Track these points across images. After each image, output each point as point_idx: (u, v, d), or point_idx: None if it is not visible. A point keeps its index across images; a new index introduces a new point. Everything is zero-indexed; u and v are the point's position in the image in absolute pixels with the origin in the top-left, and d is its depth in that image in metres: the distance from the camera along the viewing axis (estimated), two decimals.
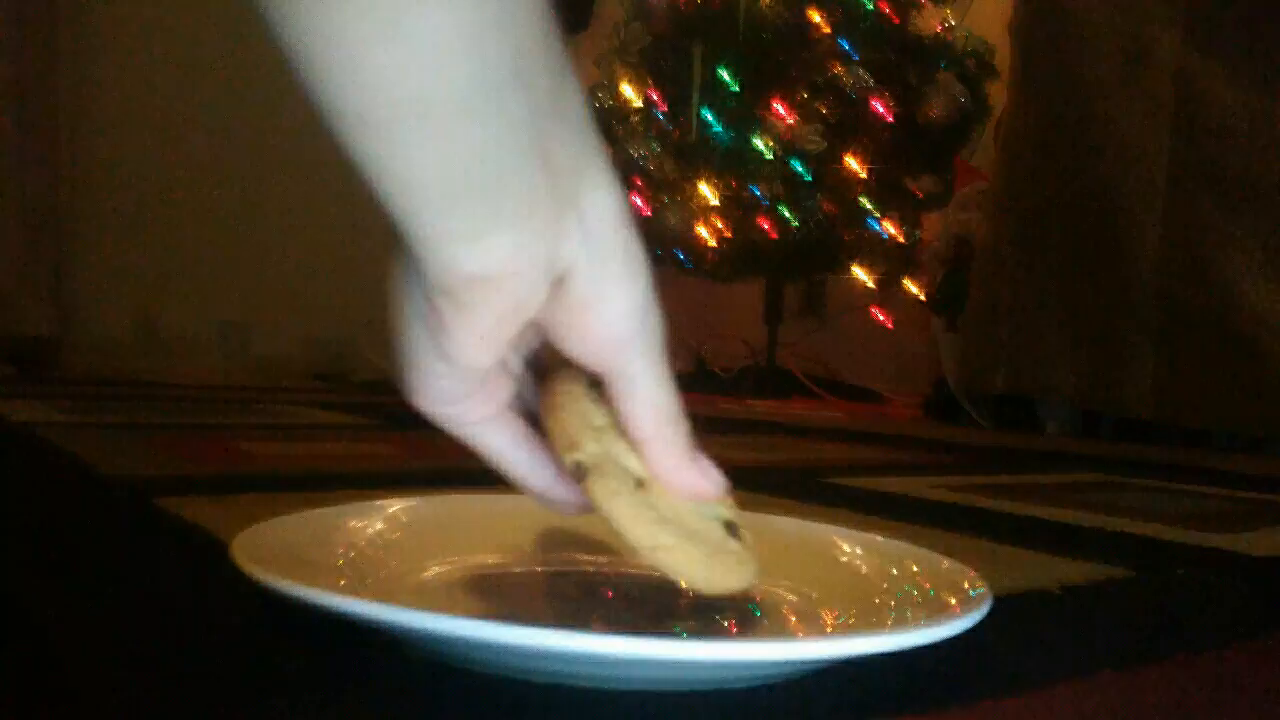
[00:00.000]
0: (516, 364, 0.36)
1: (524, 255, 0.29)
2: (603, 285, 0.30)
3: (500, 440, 0.36)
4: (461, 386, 0.33)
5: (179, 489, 0.65)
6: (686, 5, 2.45)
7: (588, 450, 0.33)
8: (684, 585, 0.33)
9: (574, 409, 0.34)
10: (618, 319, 0.31)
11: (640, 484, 0.33)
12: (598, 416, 0.34)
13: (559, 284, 0.30)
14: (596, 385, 0.34)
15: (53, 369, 2.21)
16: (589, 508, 0.35)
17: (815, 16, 2.31)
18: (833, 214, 2.30)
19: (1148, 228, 1.51)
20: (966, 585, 0.37)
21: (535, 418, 0.36)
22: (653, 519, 0.33)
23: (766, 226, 2.31)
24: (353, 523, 0.43)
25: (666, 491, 0.34)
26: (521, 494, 0.38)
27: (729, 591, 0.34)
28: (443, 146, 0.27)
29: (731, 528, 0.35)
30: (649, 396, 0.33)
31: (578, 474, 0.33)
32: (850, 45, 2.29)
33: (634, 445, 0.34)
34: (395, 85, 0.25)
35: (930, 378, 2.00)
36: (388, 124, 0.26)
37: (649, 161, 2.46)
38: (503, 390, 0.35)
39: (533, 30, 0.27)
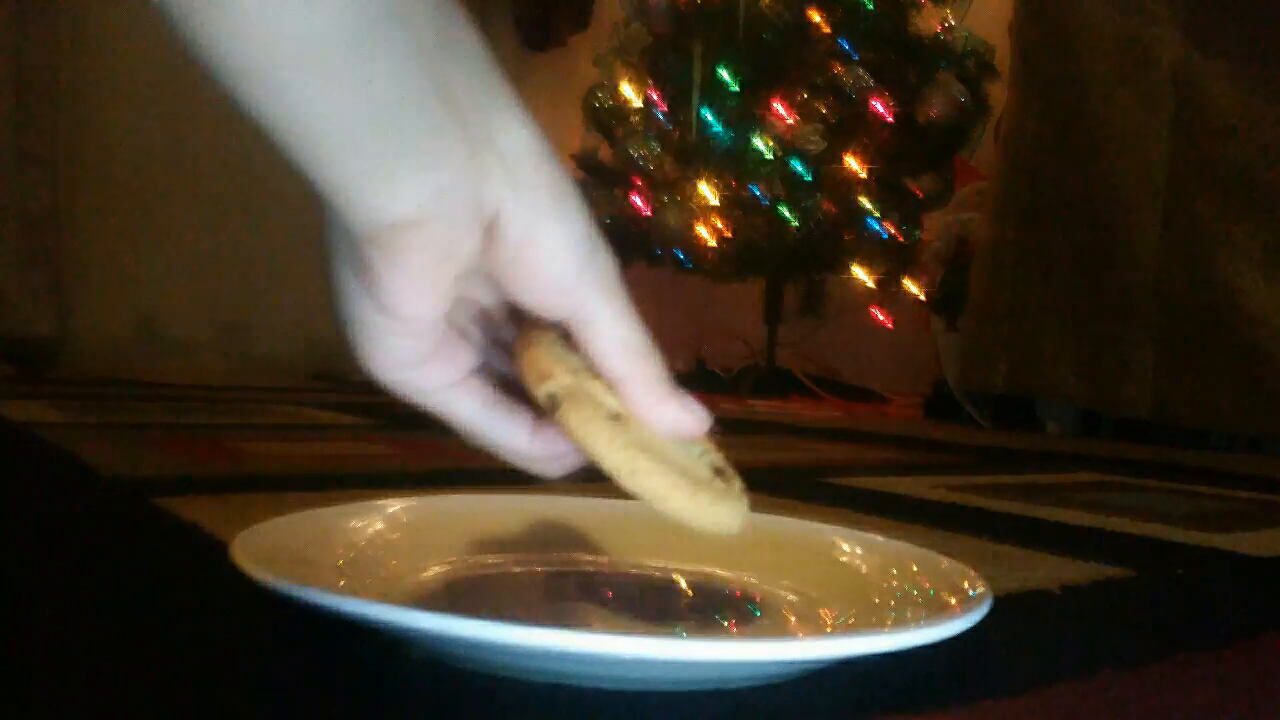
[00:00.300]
0: (476, 333, 0.35)
1: (445, 198, 0.28)
2: (536, 223, 0.30)
3: (468, 407, 0.35)
4: (413, 346, 0.32)
5: (179, 489, 0.65)
6: (686, 5, 2.45)
7: (560, 381, 0.32)
8: (667, 513, 0.31)
9: (547, 347, 0.32)
10: (560, 257, 0.31)
11: (617, 418, 0.32)
12: (573, 360, 0.32)
13: (491, 230, 0.30)
14: (568, 339, 0.33)
15: (53, 369, 2.21)
16: (571, 460, 0.34)
17: (815, 16, 2.31)
18: (833, 214, 2.30)
19: (1148, 228, 1.51)
20: (966, 585, 0.37)
21: (511, 387, 0.35)
22: (630, 443, 0.31)
23: (766, 227, 2.31)
24: (353, 523, 0.43)
25: (648, 430, 0.32)
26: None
27: (718, 527, 0.32)
28: (327, 87, 0.27)
29: (720, 472, 0.33)
30: (614, 333, 0.32)
31: (550, 405, 0.31)
32: (850, 45, 2.29)
33: (610, 387, 0.32)
34: (267, 28, 0.26)
35: (930, 378, 2.00)
36: (268, 71, 0.26)
37: (649, 161, 2.46)
38: (462, 355, 0.34)
39: None
